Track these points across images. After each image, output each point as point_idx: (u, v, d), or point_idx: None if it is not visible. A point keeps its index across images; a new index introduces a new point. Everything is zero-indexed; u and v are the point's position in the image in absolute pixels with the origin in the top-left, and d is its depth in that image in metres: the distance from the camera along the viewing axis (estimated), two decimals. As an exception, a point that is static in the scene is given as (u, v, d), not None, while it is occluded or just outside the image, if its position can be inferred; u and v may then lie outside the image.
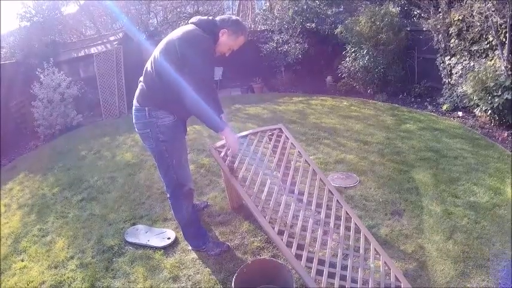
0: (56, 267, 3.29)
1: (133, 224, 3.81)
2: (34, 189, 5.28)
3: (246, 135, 3.40)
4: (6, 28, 19.91)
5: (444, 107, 7.24)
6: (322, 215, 2.81)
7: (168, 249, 3.33)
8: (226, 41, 2.82)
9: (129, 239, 3.51)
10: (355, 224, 2.83)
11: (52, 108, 8.57)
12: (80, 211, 4.31)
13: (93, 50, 10.16)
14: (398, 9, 9.01)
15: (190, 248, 3.27)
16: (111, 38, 10.85)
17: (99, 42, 10.81)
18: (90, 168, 5.65)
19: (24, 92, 9.03)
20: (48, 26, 11.79)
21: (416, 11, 8.36)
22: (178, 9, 14.89)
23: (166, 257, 3.21)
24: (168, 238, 3.44)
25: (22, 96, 9.14)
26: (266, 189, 2.89)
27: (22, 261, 3.49)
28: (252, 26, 14.76)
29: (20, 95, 9.14)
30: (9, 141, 8.34)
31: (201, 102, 2.65)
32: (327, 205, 2.93)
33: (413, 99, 8.32)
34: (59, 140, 8.01)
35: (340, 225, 2.80)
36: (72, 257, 3.41)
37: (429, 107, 7.61)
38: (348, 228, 2.80)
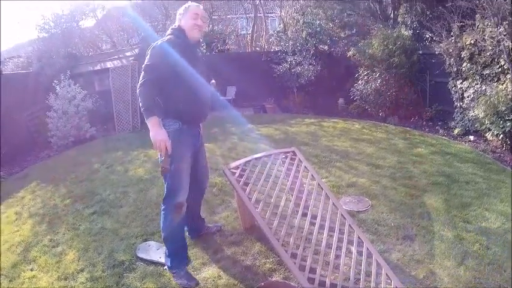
0: (65, 279, 3.30)
1: (145, 240, 3.81)
2: (46, 199, 5.34)
3: (260, 157, 3.44)
4: (25, 37, 20.47)
5: (456, 131, 7.24)
6: (335, 239, 2.83)
7: (179, 267, 3.32)
8: (185, 22, 3.10)
9: (141, 255, 3.52)
10: (367, 248, 2.84)
11: (66, 120, 8.71)
12: (91, 224, 4.34)
13: (109, 65, 10.35)
14: (410, 32, 9.09)
15: (203, 265, 3.25)
16: (127, 54, 11.04)
17: (115, 57, 11.02)
18: (102, 182, 5.69)
19: (39, 102, 9.23)
20: (66, 39, 12.04)
21: (429, 35, 8.43)
22: (194, 29, 15.15)
23: (177, 275, 3.21)
24: (180, 256, 3.44)
25: (37, 106, 9.31)
26: (279, 212, 2.91)
27: (31, 270, 3.51)
28: (266, 46, 14.91)
29: (34, 104, 9.32)
30: (22, 150, 8.51)
31: (141, 84, 2.83)
32: (340, 229, 2.95)
33: (425, 123, 8.36)
34: (72, 152, 8.12)
35: (352, 249, 2.81)
36: (82, 270, 3.43)
37: (441, 131, 7.64)
38: (360, 253, 2.81)
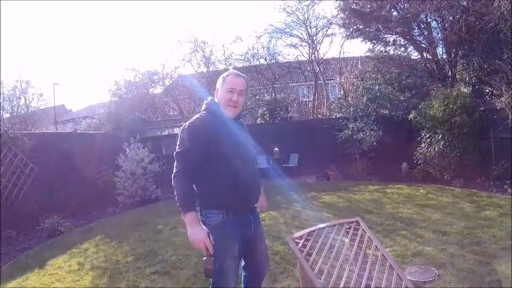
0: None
1: (204, 304, 3.80)
2: (109, 254, 5.61)
3: (324, 228, 3.49)
4: (97, 100, 22.36)
5: (525, 189, 6.91)
6: (400, 312, 2.79)
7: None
8: (221, 95, 2.75)
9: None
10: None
11: (133, 180, 9.26)
12: (151, 283, 4.44)
13: (176, 131, 10.94)
14: (470, 88, 8.98)
15: None
16: (194, 121, 11.69)
17: (182, 123, 11.65)
18: (165, 243, 5.86)
19: (109, 161, 9.95)
20: (136, 104, 12.96)
21: (488, 89, 8.27)
22: (257, 97, 15.89)
23: None
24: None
25: (106, 165, 10.03)
26: (342, 283, 2.92)
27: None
28: (327, 113, 15.17)
29: (104, 163, 10.07)
30: (89, 204, 9.02)
31: (175, 175, 2.55)
32: (405, 302, 2.89)
33: (491, 183, 8.02)
34: (136, 211, 8.52)
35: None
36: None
37: (509, 190, 7.30)
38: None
